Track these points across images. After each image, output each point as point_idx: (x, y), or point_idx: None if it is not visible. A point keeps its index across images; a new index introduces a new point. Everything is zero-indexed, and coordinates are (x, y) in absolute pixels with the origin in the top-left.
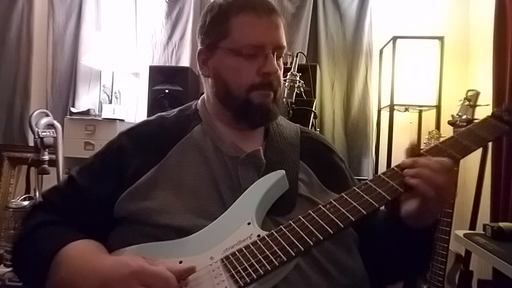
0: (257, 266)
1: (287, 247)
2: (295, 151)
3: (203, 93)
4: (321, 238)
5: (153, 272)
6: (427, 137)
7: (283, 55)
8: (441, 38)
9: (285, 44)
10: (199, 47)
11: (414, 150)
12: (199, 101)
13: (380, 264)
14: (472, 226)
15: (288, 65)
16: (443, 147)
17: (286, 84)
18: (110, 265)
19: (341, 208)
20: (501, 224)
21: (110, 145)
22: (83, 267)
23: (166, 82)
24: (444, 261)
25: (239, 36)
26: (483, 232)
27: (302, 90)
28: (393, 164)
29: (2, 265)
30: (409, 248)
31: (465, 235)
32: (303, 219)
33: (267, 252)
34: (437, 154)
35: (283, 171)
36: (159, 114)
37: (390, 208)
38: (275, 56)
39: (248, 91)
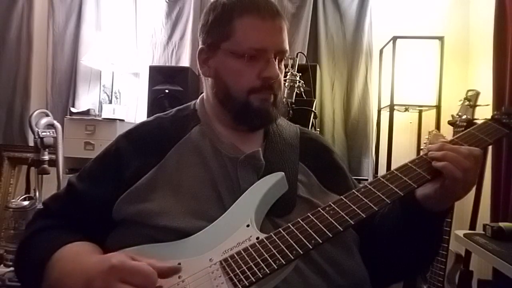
0: (255, 269)
1: (285, 250)
2: (295, 152)
3: (202, 93)
4: (320, 241)
5: (132, 267)
6: (427, 137)
7: (285, 58)
8: (441, 38)
9: (287, 48)
10: (200, 46)
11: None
12: (198, 101)
13: (383, 262)
14: (472, 226)
15: (289, 67)
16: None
17: (286, 84)
18: (94, 262)
19: (340, 211)
20: (501, 224)
21: (109, 148)
22: (73, 268)
23: (166, 82)
24: (444, 261)
25: (242, 38)
26: (483, 232)
27: (302, 90)
28: (393, 165)
29: (2, 265)
30: (421, 231)
31: (465, 235)
32: (301, 222)
33: (266, 255)
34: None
35: (283, 173)
36: (157, 115)
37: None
38: (277, 60)
39: (248, 94)
